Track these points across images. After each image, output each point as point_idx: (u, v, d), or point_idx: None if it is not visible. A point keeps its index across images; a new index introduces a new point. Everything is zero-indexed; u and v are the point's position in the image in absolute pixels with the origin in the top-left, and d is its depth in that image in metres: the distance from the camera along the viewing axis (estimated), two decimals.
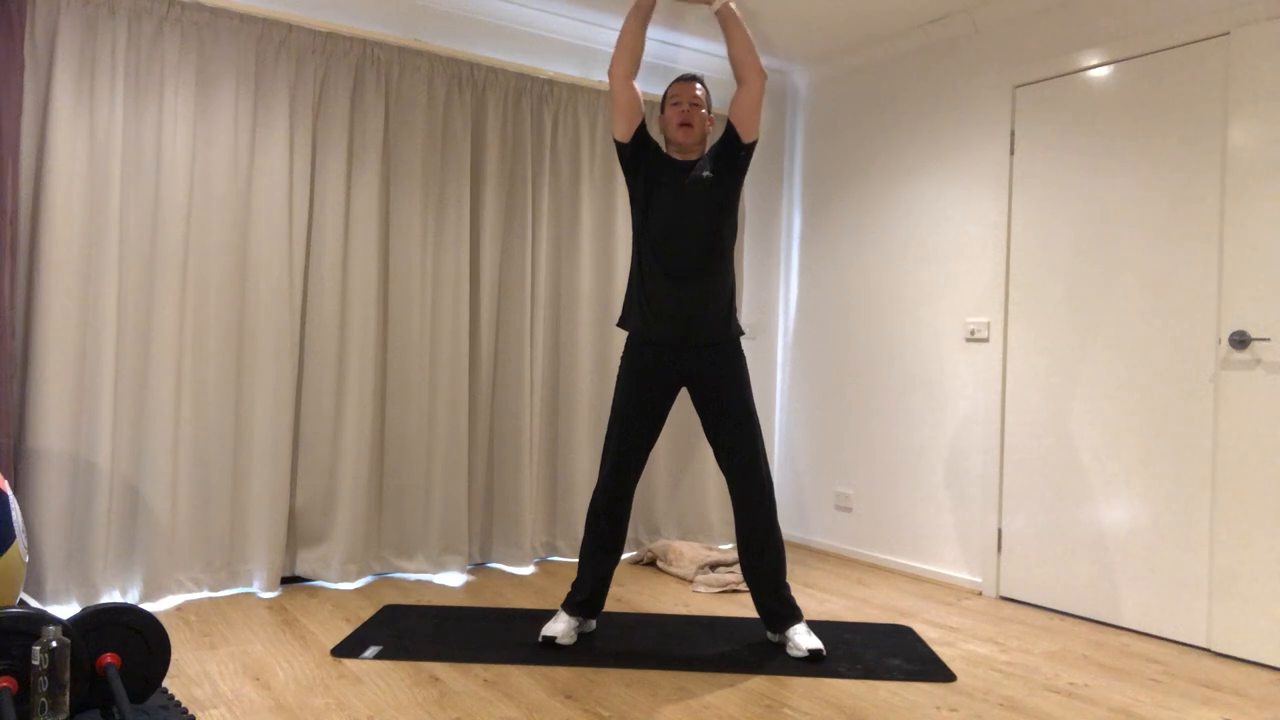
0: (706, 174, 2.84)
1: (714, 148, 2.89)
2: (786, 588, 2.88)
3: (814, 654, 2.76)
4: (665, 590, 3.63)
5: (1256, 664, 2.90)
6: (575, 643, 2.86)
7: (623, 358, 2.91)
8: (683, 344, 2.83)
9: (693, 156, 2.90)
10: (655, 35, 4.29)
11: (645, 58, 4.36)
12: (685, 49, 4.44)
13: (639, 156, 2.86)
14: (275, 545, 3.35)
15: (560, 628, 2.83)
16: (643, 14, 2.78)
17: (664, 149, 2.95)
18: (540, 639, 2.82)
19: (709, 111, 2.92)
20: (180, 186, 3.21)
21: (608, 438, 2.87)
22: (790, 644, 2.81)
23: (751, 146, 2.85)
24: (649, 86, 4.38)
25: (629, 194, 2.94)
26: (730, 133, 2.84)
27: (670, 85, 2.93)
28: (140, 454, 3.17)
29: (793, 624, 2.85)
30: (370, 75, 3.57)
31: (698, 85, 2.90)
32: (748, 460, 2.81)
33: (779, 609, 2.85)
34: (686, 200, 2.81)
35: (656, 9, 3.95)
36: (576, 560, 4.07)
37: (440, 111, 3.73)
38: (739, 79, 2.79)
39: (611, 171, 4.21)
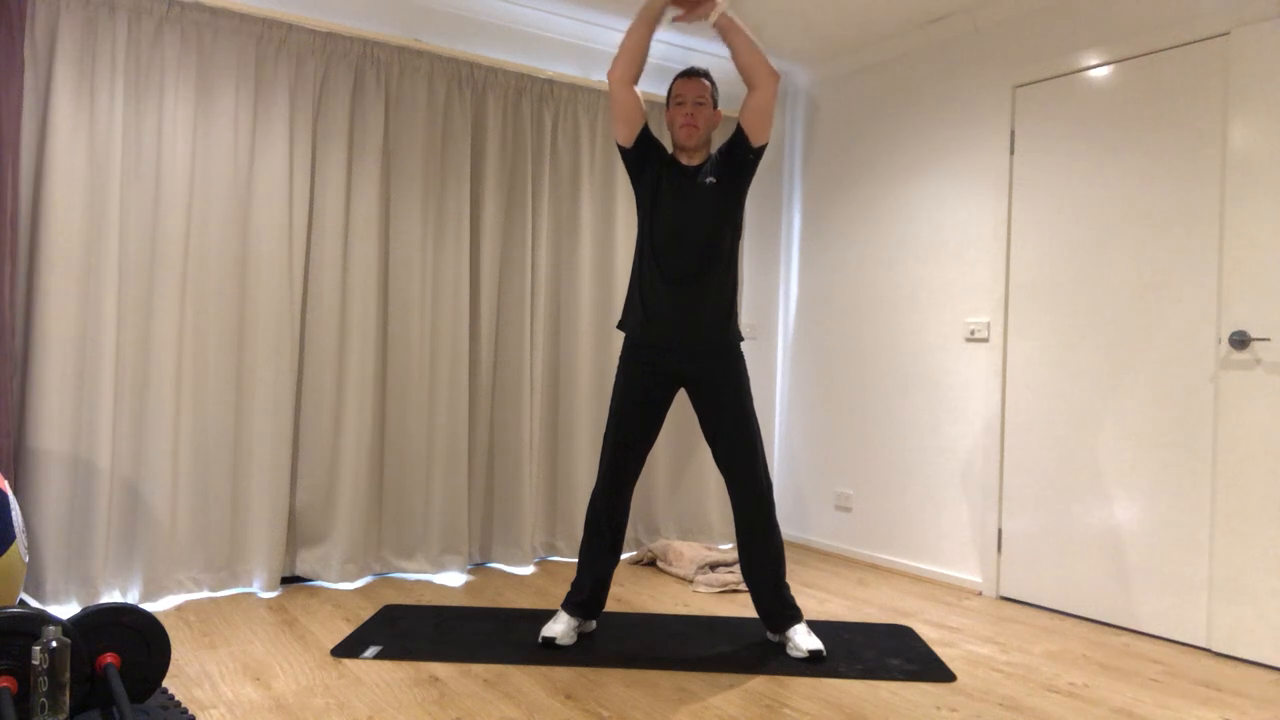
0: (709, 180, 2.80)
1: (721, 149, 2.85)
2: (786, 588, 2.87)
3: (814, 654, 2.76)
4: (665, 590, 3.63)
5: (1256, 664, 2.90)
6: (575, 643, 2.86)
7: (620, 359, 2.91)
8: (680, 348, 2.82)
9: (698, 159, 2.86)
10: (660, 36, 4.28)
11: (652, 59, 4.34)
12: (693, 50, 4.43)
13: (644, 159, 2.85)
14: (275, 545, 3.35)
15: (560, 628, 2.83)
16: (651, 20, 2.73)
17: (669, 150, 2.91)
18: (540, 639, 2.82)
19: (716, 107, 2.87)
20: (180, 186, 3.22)
21: (605, 439, 2.87)
22: (790, 644, 2.81)
23: (760, 150, 2.80)
24: (654, 87, 4.38)
25: (635, 197, 2.91)
26: (739, 135, 2.79)
27: (673, 82, 2.86)
28: (140, 454, 3.17)
29: (793, 624, 2.85)
30: (370, 75, 3.57)
31: (703, 80, 2.83)
32: (746, 462, 2.80)
33: (779, 609, 2.85)
34: (688, 206, 2.79)
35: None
36: (576, 560, 4.08)
37: (440, 111, 3.73)
38: (748, 84, 2.74)
39: (611, 171, 4.21)
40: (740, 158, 2.81)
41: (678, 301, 2.78)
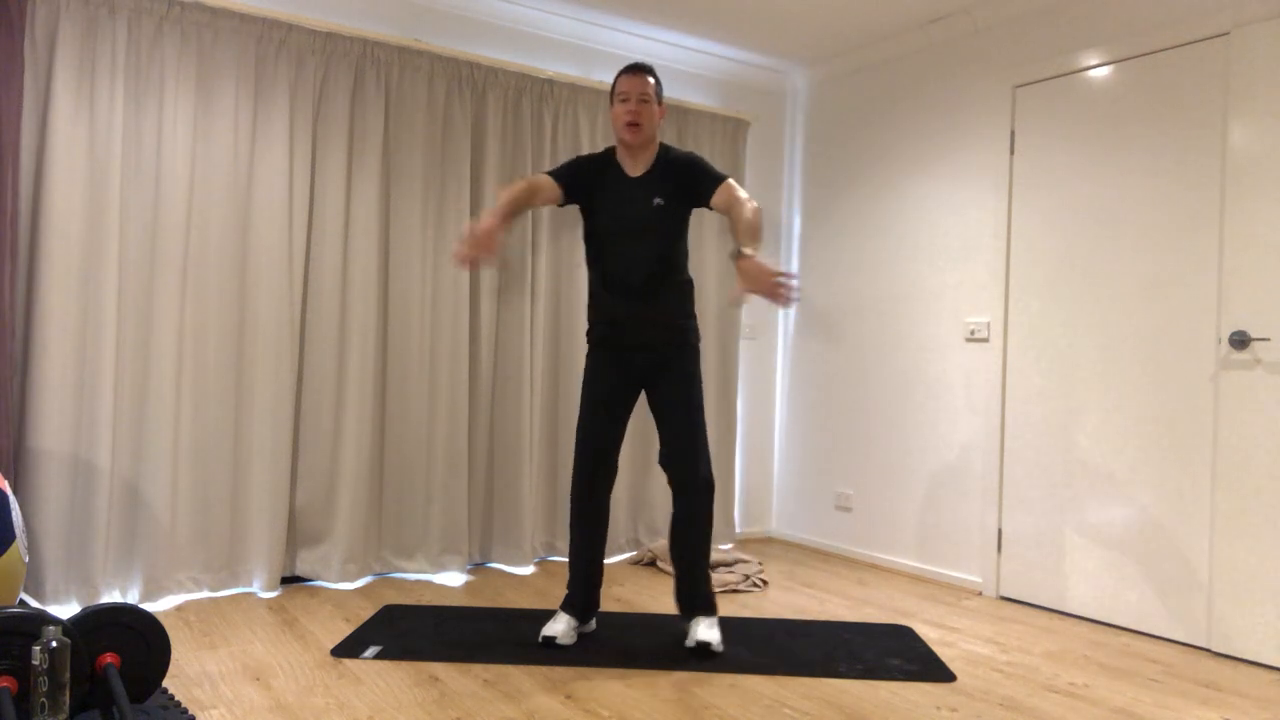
0: (658, 201, 2.77)
1: (682, 176, 2.78)
2: (707, 579, 2.86)
3: (701, 646, 2.73)
4: (665, 590, 3.63)
5: (1256, 664, 2.90)
6: (575, 643, 2.86)
7: (586, 355, 2.93)
8: (635, 349, 2.83)
9: (642, 165, 2.82)
10: (660, 36, 4.28)
11: (653, 60, 4.36)
12: (696, 51, 4.43)
13: (580, 192, 2.83)
14: (275, 545, 3.35)
15: (560, 628, 2.83)
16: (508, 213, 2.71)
17: (600, 154, 2.87)
18: (540, 639, 2.82)
19: (660, 104, 2.82)
20: (180, 186, 3.22)
21: (578, 433, 2.87)
22: (688, 635, 2.80)
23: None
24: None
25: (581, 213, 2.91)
26: (703, 192, 2.74)
27: (617, 77, 2.80)
28: (140, 454, 3.17)
29: (699, 615, 2.83)
30: (370, 75, 3.57)
31: (648, 78, 2.77)
32: (685, 450, 2.79)
33: (691, 598, 2.84)
34: (632, 225, 2.77)
35: (660, 5, 3.96)
36: None
37: (440, 111, 3.73)
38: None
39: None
40: (696, 199, 2.79)
41: (627, 315, 2.81)
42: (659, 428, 2.85)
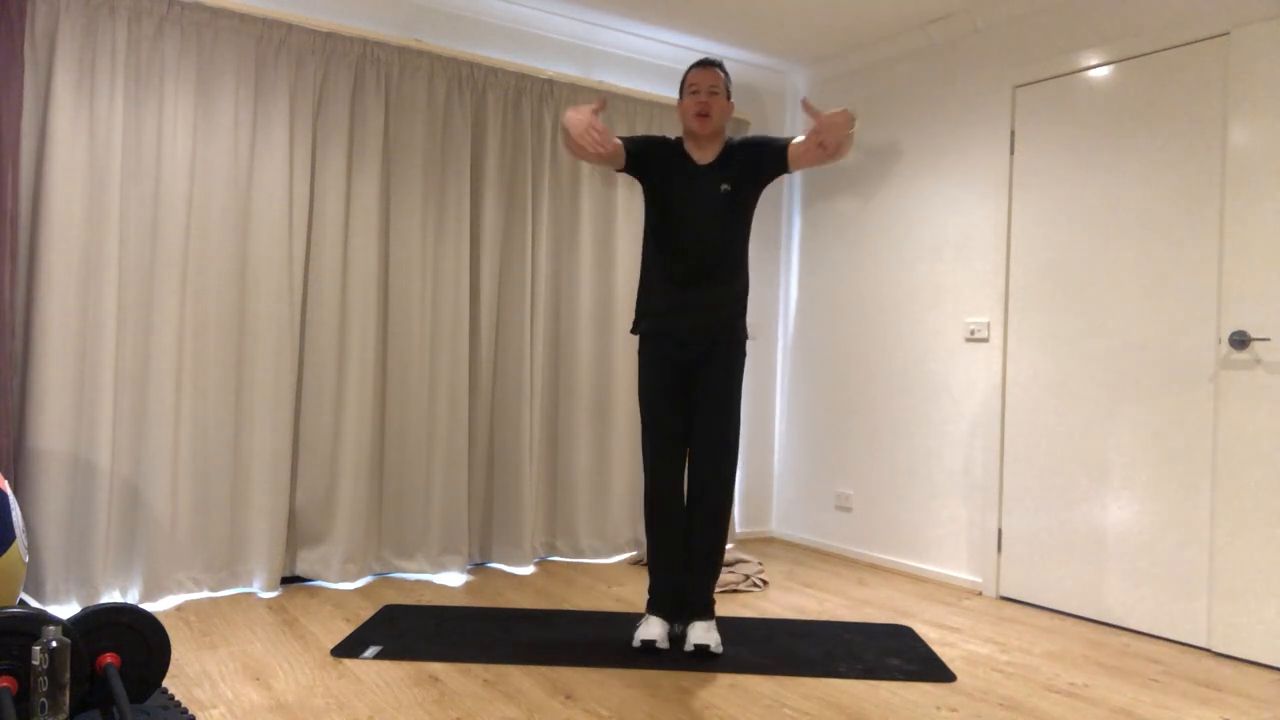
0: (725, 187, 2.79)
1: (744, 155, 2.81)
2: (711, 587, 2.85)
3: (700, 649, 2.73)
4: None
5: (1256, 664, 2.90)
6: (586, 642, 2.84)
7: (639, 349, 2.92)
8: (687, 341, 2.82)
9: (710, 154, 2.84)
10: (660, 36, 4.28)
11: (653, 59, 4.36)
12: (696, 51, 4.43)
13: (646, 167, 2.82)
14: (275, 545, 3.35)
15: (656, 630, 2.79)
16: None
17: (671, 140, 2.88)
18: (639, 644, 2.77)
19: (729, 98, 2.86)
20: (180, 186, 3.22)
21: (643, 430, 2.86)
22: (686, 639, 2.79)
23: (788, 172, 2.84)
24: (658, 89, 4.38)
25: (643, 193, 2.90)
26: (778, 161, 2.77)
27: (688, 71, 2.86)
28: (140, 454, 3.17)
29: (696, 619, 2.81)
30: (370, 75, 3.57)
31: (717, 71, 2.82)
32: (711, 449, 2.79)
33: (692, 603, 2.82)
34: (702, 214, 2.78)
35: (660, 5, 3.96)
36: (581, 560, 4.08)
37: (440, 111, 3.73)
38: (829, 157, 2.67)
39: (612, 172, 4.21)
40: (766, 172, 2.80)
41: (688, 301, 2.80)
42: (694, 420, 2.84)
